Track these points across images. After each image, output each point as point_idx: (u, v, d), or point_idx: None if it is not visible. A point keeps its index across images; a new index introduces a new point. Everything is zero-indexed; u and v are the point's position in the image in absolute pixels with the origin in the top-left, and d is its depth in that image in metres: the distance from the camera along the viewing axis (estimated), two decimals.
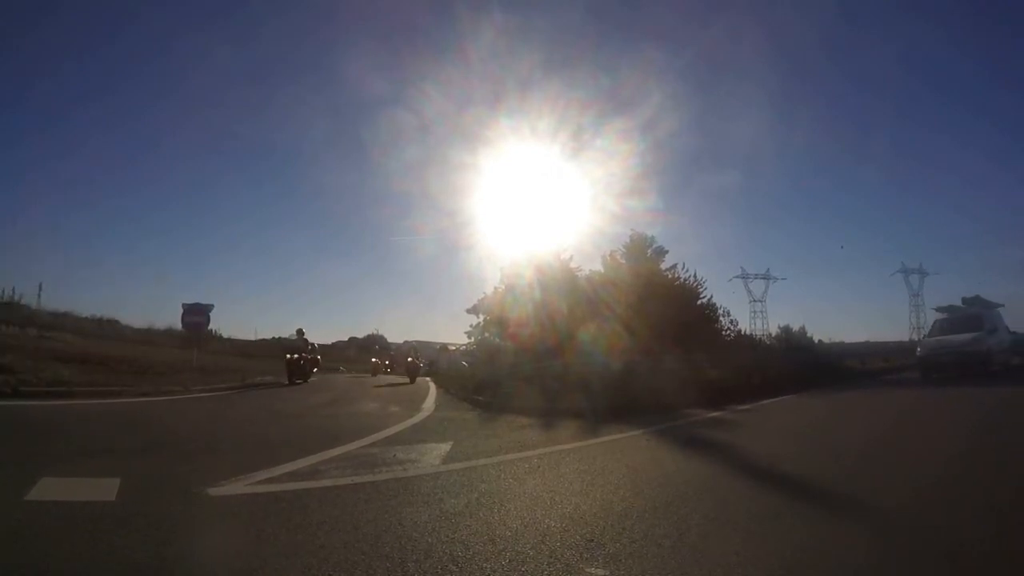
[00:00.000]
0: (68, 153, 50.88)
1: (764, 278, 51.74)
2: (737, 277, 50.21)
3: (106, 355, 13.68)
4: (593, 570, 2.22)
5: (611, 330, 12.09)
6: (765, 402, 9.39)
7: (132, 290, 58.44)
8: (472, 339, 20.97)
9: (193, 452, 4.88)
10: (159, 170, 58.40)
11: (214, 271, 64.34)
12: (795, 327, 22.79)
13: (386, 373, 24.97)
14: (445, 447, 5.25)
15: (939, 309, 18.25)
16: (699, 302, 16.30)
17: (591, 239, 22.08)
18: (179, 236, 65.58)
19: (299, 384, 15.54)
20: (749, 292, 52.58)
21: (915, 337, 32.08)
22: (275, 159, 61.14)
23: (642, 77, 31.93)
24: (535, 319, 14.01)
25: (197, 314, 17.59)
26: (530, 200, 25.24)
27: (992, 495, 3.19)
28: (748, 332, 22.65)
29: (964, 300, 18.12)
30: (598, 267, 16.31)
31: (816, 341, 22.39)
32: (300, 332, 17.80)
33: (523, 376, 11.94)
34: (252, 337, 33.60)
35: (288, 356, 16.46)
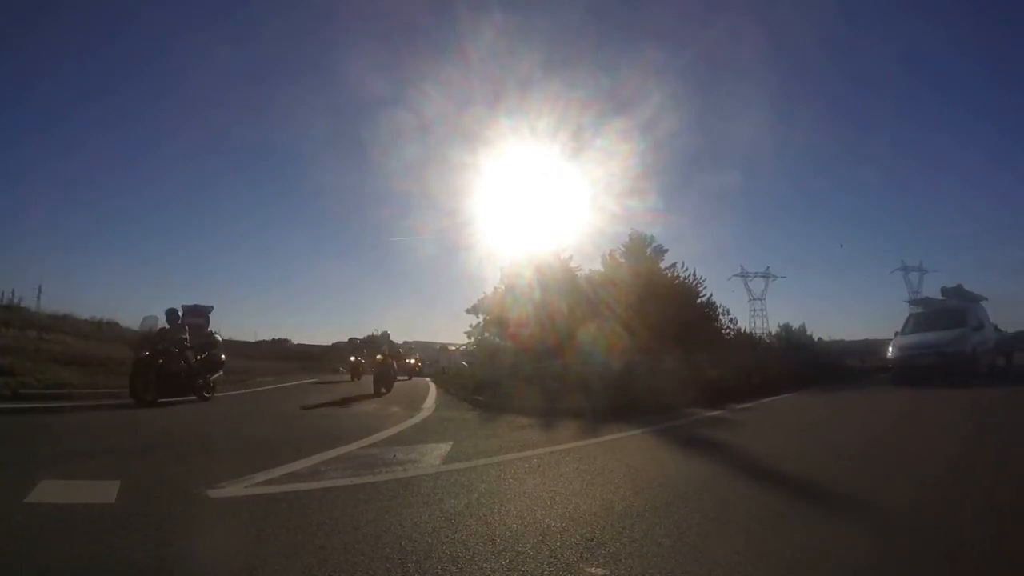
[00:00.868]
0: (68, 153, 51.06)
1: (764, 276, 51.96)
2: (737, 276, 50.42)
3: (106, 357, 13.69)
4: (593, 570, 2.21)
5: (611, 329, 12.09)
6: (765, 401, 9.40)
7: (132, 292, 58.44)
8: (472, 339, 20.97)
9: (192, 453, 4.88)
10: (159, 170, 58.57)
11: (214, 272, 64.51)
12: (795, 325, 22.84)
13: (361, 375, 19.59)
14: (445, 447, 5.25)
15: (913, 302, 15.74)
16: (699, 301, 16.32)
17: (591, 239, 22.20)
18: (179, 237, 65.75)
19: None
20: (749, 291, 52.77)
21: None
22: (275, 159, 61.30)
23: (642, 77, 32.03)
24: (535, 319, 14.00)
25: (197, 315, 17.59)
26: (530, 200, 25.33)
27: (993, 495, 3.19)
28: (748, 331, 22.66)
29: (944, 291, 15.09)
30: (598, 267, 16.34)
31: (816, 339, 22.44)
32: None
33: (523, 376, 11.94)
34: (252, 338, 33.53)
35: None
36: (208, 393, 10.36)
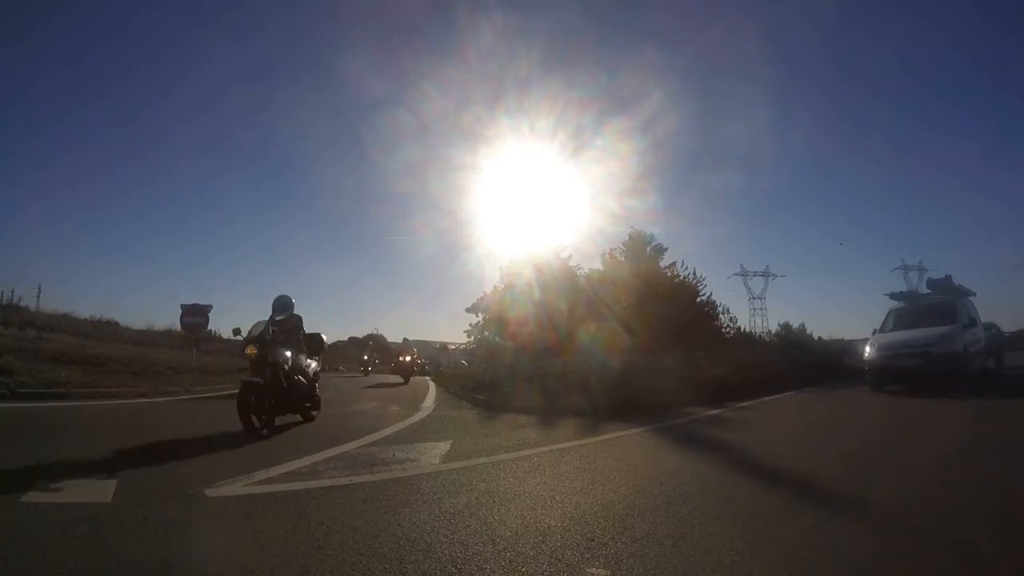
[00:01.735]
0: (68, 153, 50.90)
1: (764, 275, 51.88)
2: (737, 274, 50.30)
3: (105, 356, 13.63)
4: (595, 570, 2.19)
5: (610, 328, 12.06)
6: (765, 400, 9.38)
7: (131, 291, 58.29)
8: (472, 338, 20.90)
9: (190, 452, 4.85)
10: (159, 170, 58.37)
11: (214, 271, 64.34)
12: (795, 324, 22.87)
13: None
14: (444, 446, 5.23)
15: (894, 296, 13.12)
16: (699, 300, 16.27)
17: (591, 238, 22.19)
18: (179, 236, 65.44)
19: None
20: (749, 289, 52.69)
21: None
22: (275, 159, 61.16)
23: (642, 77, 32.02)
24: (535, 318, 13.97)
25: (196, 314, 17.57)
26: (530, 199, 25.28)
27: (995, 494, 3.17)
28: (748, 330, 22.60)
29: (930, 283, 13.19)
30: (597, 266, 16.29)
31: (816, 338, 22.45)
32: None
33: (523, 375, 11.92)
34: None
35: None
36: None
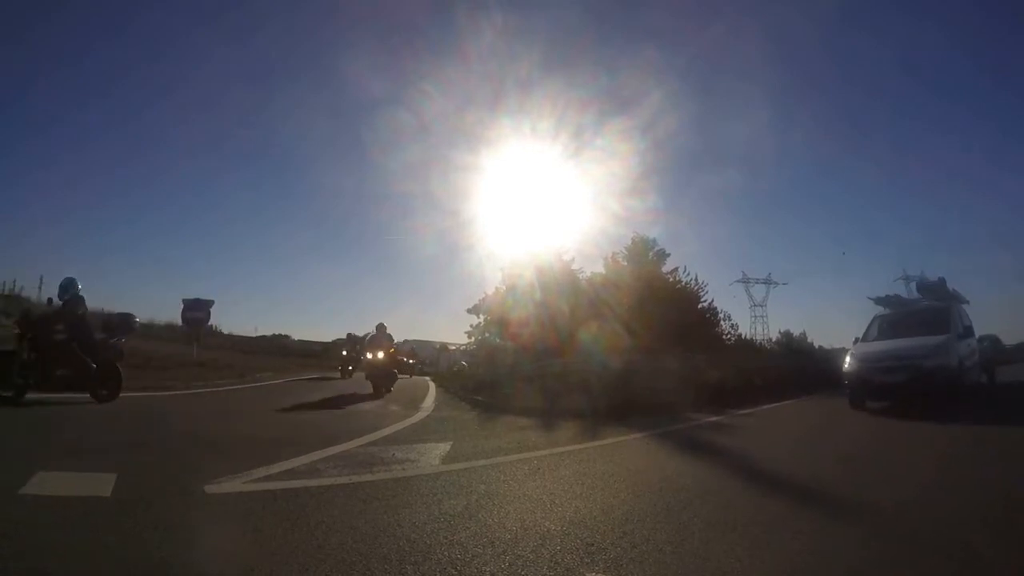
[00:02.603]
0: (69, 150, 50.97)
1: (765, 283, 51.64)
2: (738, 282, 50.11)
3: None
4: (594, 575, 2.18)
5: (612, 332, 12.05)
6: (766, 407, 9.37)
7: (133, 286, 58.35)
8: (472, 339, 20.89)
9: (190, 448, 4.85)
10: (161, 168, 58.43)
11: (215, 270, 64.31)
12: (796, 332, 22.86)
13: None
14: (444, 447, 5.22)
15: (879, 301, 11.54)
16: (700, 306, 16.28)
17: (592, 240, 22.24)
18: (181, 234, 65.52)
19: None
20: (750, 297, 52.46)
21: None
22: (275, 159, 61.19)
23: (642, 77, 31.96)
24: (536, 320, 13.97)
25: (197, 309, 17.63)
26: (531, 200, 25.22)
27: (994, 499, 3.16)
28: (749, 337, 22.60)
29: (920, 287, 11.73)
30: (599, 269, 16.30)
31: (817, 347, 22.41)
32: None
33: (523, 377, 11.92)
34: (252, 334, 33.45)
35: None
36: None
